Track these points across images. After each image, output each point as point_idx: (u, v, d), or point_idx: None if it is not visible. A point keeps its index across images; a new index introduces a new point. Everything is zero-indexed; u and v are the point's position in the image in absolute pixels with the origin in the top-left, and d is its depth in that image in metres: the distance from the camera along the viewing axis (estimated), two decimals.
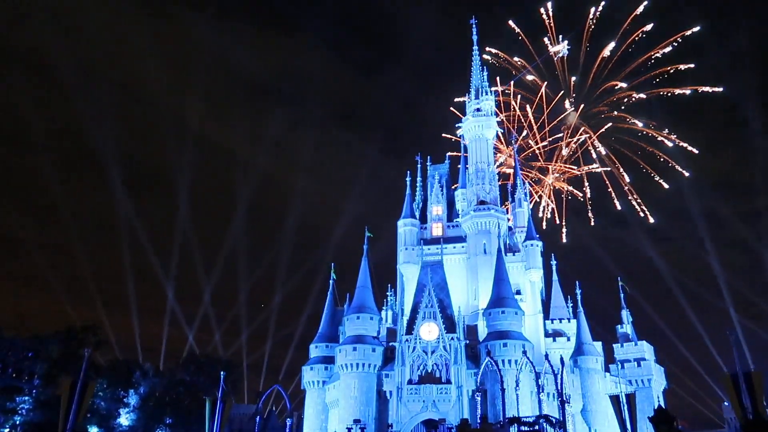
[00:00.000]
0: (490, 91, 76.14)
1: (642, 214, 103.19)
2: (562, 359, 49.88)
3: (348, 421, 52.52)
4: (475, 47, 79.29)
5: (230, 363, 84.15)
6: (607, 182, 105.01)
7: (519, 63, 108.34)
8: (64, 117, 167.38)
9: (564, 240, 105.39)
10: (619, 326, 68.79)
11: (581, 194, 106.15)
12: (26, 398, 59.99)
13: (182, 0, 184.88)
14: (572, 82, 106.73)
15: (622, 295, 69.82)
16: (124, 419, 69.14)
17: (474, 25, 80.00)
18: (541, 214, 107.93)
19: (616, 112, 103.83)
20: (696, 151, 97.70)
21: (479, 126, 73.29)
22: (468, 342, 56.20)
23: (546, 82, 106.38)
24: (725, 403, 74.90)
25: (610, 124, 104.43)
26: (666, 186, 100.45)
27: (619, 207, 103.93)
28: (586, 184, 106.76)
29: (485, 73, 77.39)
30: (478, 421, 47.81)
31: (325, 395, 60.27)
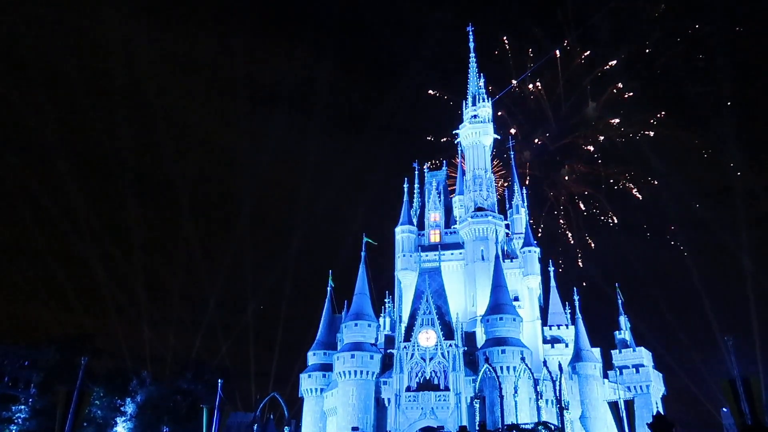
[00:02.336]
0: (487, 98, 76.36)
1: (671, 242, 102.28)
2: (560, 365, 49.75)
3: (346, 428, 52.40)
4: (472, 54, 79.54)
5: (228, 370, 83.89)
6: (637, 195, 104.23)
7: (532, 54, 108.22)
8: (71, 124, 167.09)
9: (577, 250, 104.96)
10: (617, 332, 68.75)
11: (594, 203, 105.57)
12: (22, 407, 59.80)
13: (191, 8, 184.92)
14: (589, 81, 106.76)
15: (619, 301, 69.88)
16: (121, 428, 68.81)
17: (471, 33, 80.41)
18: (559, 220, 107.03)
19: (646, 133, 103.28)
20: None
21: (476, 133, 73.47)
22: (466, 349, 56.11)
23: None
24: (724, 409, 74.76)
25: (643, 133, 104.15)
26: (697, 205, 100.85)
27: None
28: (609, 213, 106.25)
29: (482, 80, 77.69)
30: (477, 428, 47.66)
31: (323, 403, 60.05)
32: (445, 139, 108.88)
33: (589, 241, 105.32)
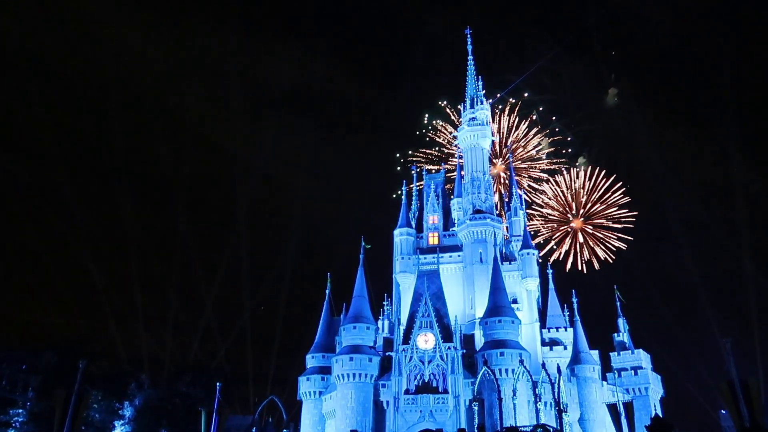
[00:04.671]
0: (485, 101, 76.57)
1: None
2: (559, 368, 49.82)
3: (345, 431, 52.30)
4: (470, 57, 79.77)
5: (226, 373, 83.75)
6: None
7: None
8: (66, 125, 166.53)
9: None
10: (615, 334, 68.84)
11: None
12: (20, 411, 59.67)
13: (198, 10, 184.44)
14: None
15: (618, 303, 69.98)
16: (120, 431, 68.68)
17: (469, 35, 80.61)
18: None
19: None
20: None
21: (474, 135, 73.60)
22: (465, 351, 56.07)
23: None
24: (722, 411, 74.87)
25: None
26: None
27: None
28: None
29: (480, 83, 77.89)
30: (476, 430, 47.69)
31: (322, 406, 59.98)
32: (444, 141, 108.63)
33: (603, 252, 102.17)
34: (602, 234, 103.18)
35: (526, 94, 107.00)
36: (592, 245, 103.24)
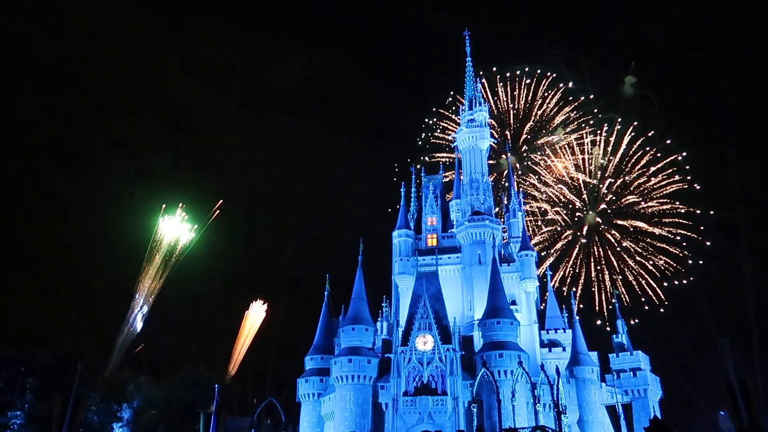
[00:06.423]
0: (484, 102, 76.64)
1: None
2: (557, 369, 49.85)
3: None
4: (469, 59, 79.89)
5: (225, 375, 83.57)
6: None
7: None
8: (76, 126, 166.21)
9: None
10: (614, 336, 68.87)
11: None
12: (18, 413, 59.44)
13: (199, 10, 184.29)
14: None
15: (617, 305, 70.02)
16: None
17: (467, 37, 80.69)
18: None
19: None
20: None
21: (473, 137, 73.67)
22: (464, 353, 56.08)
23: None
24: (721, 412, 74.90)
25: None
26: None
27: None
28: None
29: (479, 84, 77.98)
30: None
31: (321, 407, 59.98)
32: (443, 143, 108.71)
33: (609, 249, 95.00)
34: (639, 243, 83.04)
35: (545, 75, 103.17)
36: (617, 264, 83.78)
